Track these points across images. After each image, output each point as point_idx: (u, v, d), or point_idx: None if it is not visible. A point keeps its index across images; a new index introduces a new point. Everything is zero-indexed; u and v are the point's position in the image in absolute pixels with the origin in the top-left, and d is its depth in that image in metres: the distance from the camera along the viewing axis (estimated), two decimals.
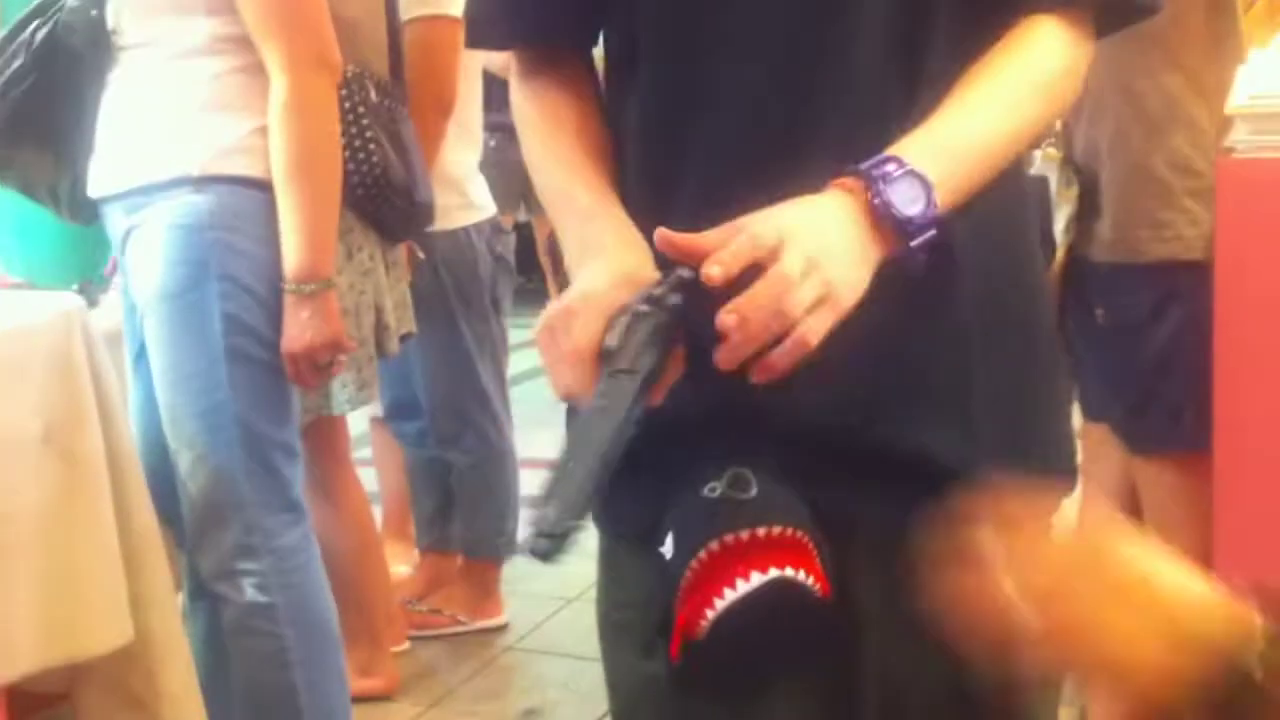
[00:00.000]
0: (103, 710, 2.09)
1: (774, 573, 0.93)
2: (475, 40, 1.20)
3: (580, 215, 1.05)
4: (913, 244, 0.93)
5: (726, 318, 0.88)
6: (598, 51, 1.17)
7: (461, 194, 3.04)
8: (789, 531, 0.95)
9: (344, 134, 2.23)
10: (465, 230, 3.04)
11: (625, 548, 1.10)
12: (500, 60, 2.42)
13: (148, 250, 2.06)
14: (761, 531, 0.94)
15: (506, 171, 4.19)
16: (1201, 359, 1.87)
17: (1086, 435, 1.99)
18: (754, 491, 0.96)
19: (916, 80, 1.02)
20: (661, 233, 0.93)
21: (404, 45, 2.64)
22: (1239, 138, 1.87)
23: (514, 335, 3.34)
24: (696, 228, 0.94)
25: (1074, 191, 2.06)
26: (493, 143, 3.39)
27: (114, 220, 2.13)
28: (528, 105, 1.14)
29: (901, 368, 1.02)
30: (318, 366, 2.08)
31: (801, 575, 0.94)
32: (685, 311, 0.91)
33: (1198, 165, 1.92)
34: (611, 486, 0.86)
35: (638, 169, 1.09)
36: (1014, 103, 1.01)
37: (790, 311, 0.88)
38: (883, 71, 1.02)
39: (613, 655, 1.14)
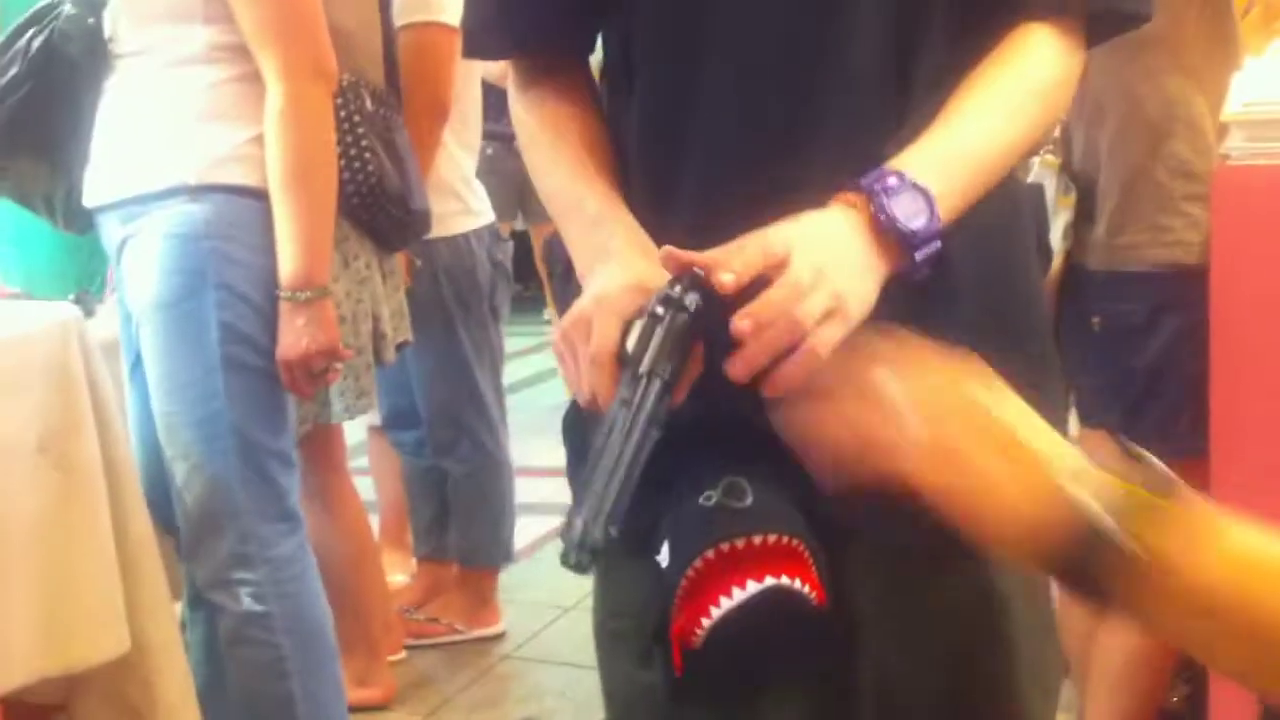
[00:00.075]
0: None
1: (770, 581, 0.93)
2: (472, 50, 1.21)
3: (589, 222, 1.05)
4: (917, 258, 0.93)
5: (741, 323, 0.87)
6: (593, 59, 1.17)
7: (461, 201, 3.04)
8: (785, 540, 0.95)
9: (339, 143, 2.23)
10: (465, 237, 3.04)
11: (621, 556, 1.10)
12: (497, 68, 2.43)
13: (143, 259, 2.06)
14: (757, 540, 0.94)
15: (503, 180, 4.21)
16: (1197, 365, 1.87)
17: (1082, 441, 1.99)
18: (750, 500, 0.96)
19: (914, 81, 1.02)
20: (667, 250, 0.92)
21: (399, 53, 2.64)
22: (1234, 145, 1.88)
23: (511, 343, 3.33)
24: (697, 227, 0.94)
25: (1072, 198, 2.07)
26: (489, 151, 3.39)
27: (109, 229, 2.13)
28: (528, 115, 1.14)
29: None
30: (313, 374, 2.08)
31: (797, 584, 0.94)
32: (703, 309, 0.90)
33: (1198, 169, 1.92)
34: None
35: (638, 170, 1.09)
36: (1011, 112, 1.01)
37: (801, 320, 0.87)
38: (880, 71, 1.02)
39: (609, 664, 1.14)
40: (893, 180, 0.94)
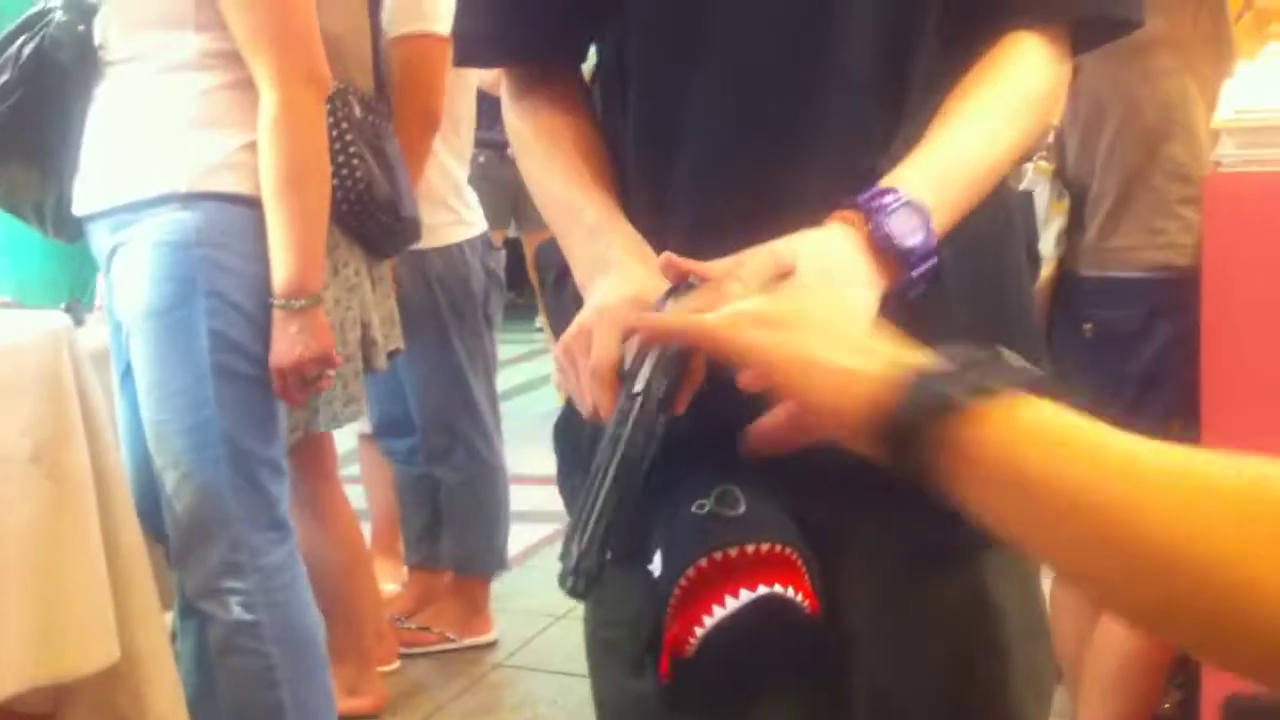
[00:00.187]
0: None
1: (763, 590, 0.92)
2: (464, 58, 1.20)
3: (587, 231, 1.05)
4: (914, 274, 0.94)
5: None
6: (586, 67, 1.17)
7: (453, 211, 3.04)
8: (778, 548, 0.94)
9: (328, 149, 2.23)
10: (459, 246, 3.04)
11: (613, 565, 1.09)
12: (490, 76, 2.43)
13: (134, 267, 2.05)
14: (750, 548, 0.93)
15: (496, 187, 4.21)
16: (1189, 371, 1.87)
17: None
18: (742, 508, 0.95)
19: (909, 83, 1.03)
20: (667, 257, 0.92)
21: (389, 61, 2.64)
22: (1225, 152, 1.88)
23: (503, 351, 3.33)
24: (695, 228, 0.94)
25: (1065, 204, 2.07)
26: (481, 159, 3.39)
27: (99, 238, 2.12)
28: (522, 124, 1.14)
29: None
30: (305, 381, 2.08)
31: (790, 592, 0.93)
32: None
33: (1194, 172, 1.93)
34: None
35: (634, 173, 1.09)
36: (1003, 122, 1.02)
37: None
38: (876, 73, 1.02)
39: (601, 673, 1.14)
40: (888, 198, 0.94)
